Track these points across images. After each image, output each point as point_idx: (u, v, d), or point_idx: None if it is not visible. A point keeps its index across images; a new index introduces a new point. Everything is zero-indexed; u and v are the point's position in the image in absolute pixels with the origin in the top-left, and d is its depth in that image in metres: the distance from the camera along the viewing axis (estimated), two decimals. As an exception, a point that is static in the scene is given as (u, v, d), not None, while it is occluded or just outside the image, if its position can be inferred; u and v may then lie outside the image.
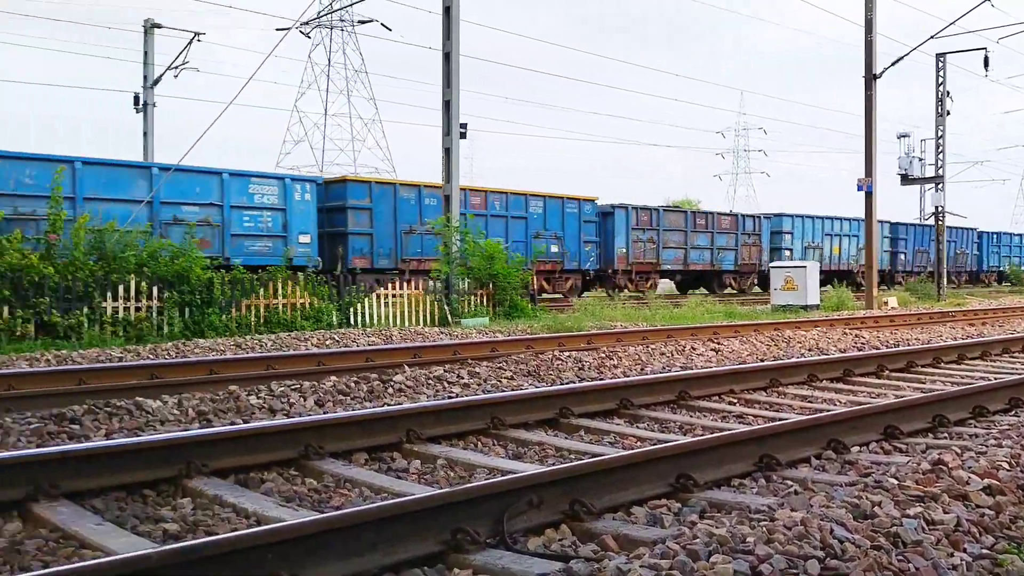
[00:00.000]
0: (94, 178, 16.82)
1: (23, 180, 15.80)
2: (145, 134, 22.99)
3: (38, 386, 7.52)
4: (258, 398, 6.75)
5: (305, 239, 19.70)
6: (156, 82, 23.28)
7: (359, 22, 48.48)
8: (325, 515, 3.12)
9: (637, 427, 6.03)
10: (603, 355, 9.68)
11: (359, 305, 16.05)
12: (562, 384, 7.82)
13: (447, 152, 18.19)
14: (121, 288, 13.01)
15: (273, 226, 19.48)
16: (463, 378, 7.94)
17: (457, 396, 7.11)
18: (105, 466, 4.13)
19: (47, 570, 2.69)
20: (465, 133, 18.58)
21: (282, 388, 7.07)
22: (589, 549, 3.18)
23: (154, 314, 13.25)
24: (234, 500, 3.99)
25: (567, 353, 9.61)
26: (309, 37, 51.06)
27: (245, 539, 2.78)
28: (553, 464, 4.78)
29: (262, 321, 14.46)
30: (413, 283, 17.25)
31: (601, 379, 8.14)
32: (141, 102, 23.16)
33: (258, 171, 19.86)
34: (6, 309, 11.83)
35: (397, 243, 21.83)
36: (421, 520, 3.12)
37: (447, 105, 18.17)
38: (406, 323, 16.42)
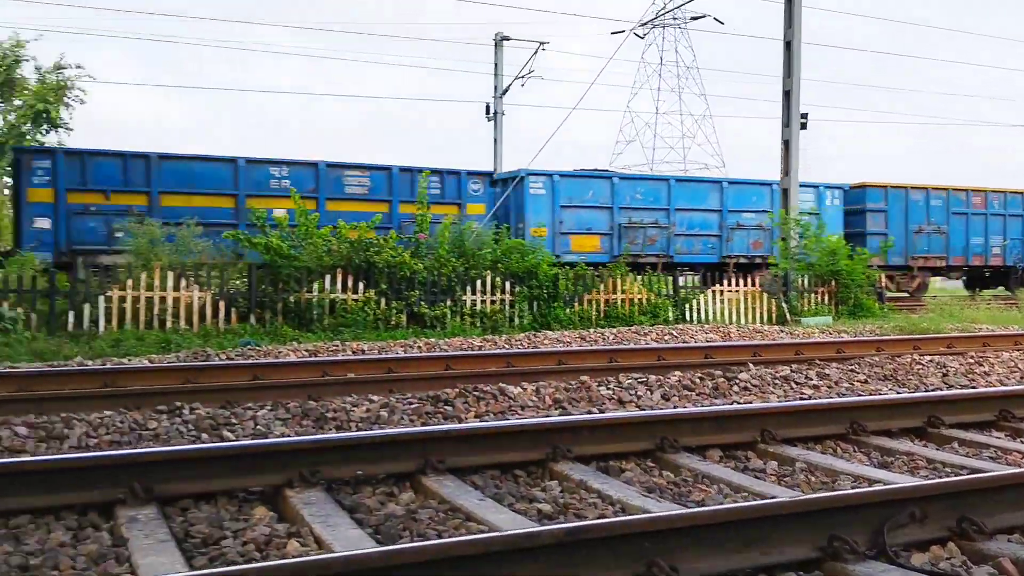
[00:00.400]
0: (681, 192, 20.43)
1: (635, 195, 19.92)
2: (495, 141, 24.66)
3: (413, 370, 8.33)
4: (607, 389, 6.99)
5: None
6: (505, 91, 24.86)
7: (692, 18, 48.22)
8: (702, 509, 3.17)
9: (1022, 442, 5.43)
10: (970, 360, 8.83)
11: (694, 301, 16.03)
12: (925, 391, 7.25)
13: (786, 144, 17.55)
14: (478, 283, 14.13)
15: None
16: (812, 379, 7.63)
17: (809, 398, 6.86)
18: (483, 446, 4.48)
19: (458, 538, 2.98)
20: (806, 123, 17.82)
21: (629, 380, 7.26)
22: (984, 572, 2.93)
23: (506, 307, 14.22)
24: (598, 486, 4.16)
25: (927, 357, 8.89)
26: (642, 38, 51.74)
27: (625, 525, 2.90)
28: (926, 477, 4.46)
29: (602, 315, 14.95)
30: (750, 279, 16.87)
31: (973, 387, 7.42)
32: (491, 111, 24.87)
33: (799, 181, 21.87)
34: (383, 301, 13.32)
35: (907, 241, 23.26)
36: (794, 523, 3.06)
37: (787, 95, 17.52)
38: (741, 320, 16.11)
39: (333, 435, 4.79)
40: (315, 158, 17.31)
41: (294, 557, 3.19)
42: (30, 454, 4.87)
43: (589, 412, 6.19)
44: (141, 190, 15.80)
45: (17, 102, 29.91)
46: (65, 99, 30.09)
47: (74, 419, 5.49)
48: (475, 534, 3.43)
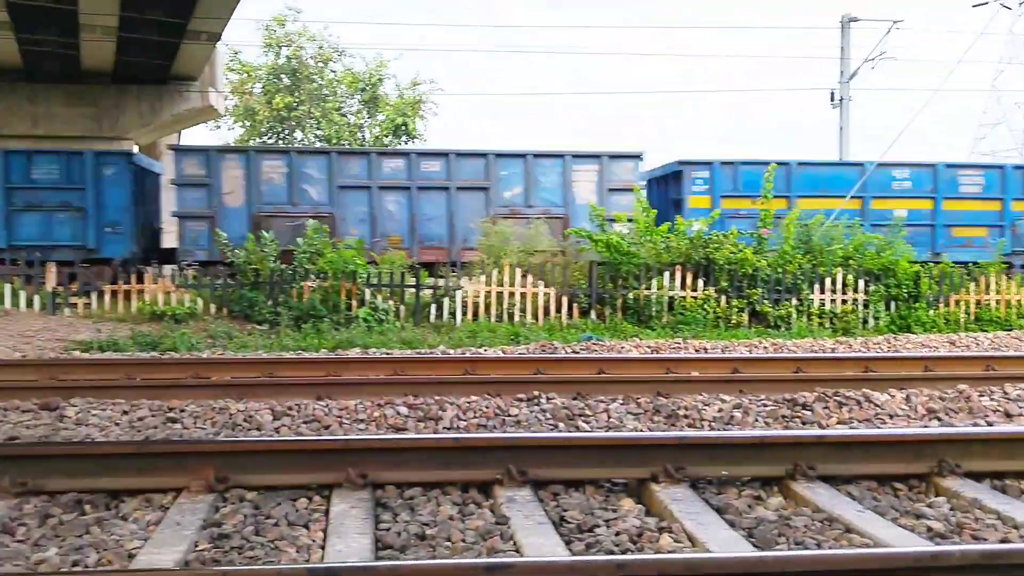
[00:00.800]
0: None
1: None
2: (841, 129, 23.22)
3: (761, 370, 7.97)
4: (991, 400, 6.27)
5: None
6: (852, 76, 23.32)
7: (1076, -21, 41.96)
8: None
9: None
10: None
11: (1089, 303, 13.91)
12: None
13: None
14: (828, 280, 13.32)
15: None
16: None
17: None
18: (857, 454, 4.15)
19: (857, 551, 2.75)
20: None
21: (1017, 391, 6.45)
22: None
23: (859, 307, 13.27)
24: (996, 507, 3.70)
25: None
26: (1011, 8, 46.00)
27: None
28: None
29: (972, 318, 13.46)
30: None
31: None
32: (837, 98, 23.45)
33: None
34: (723, 298, 13.02)
35: None
36: None
37: None
38: None
39: (699, 432, 4.72)
40: (933, 160, 17.70)
41: (669, 552, 3.14)
42: (412, 432, 5.31)
43: (974, 424, 5.55)
44: (782, 195, 16.86)
45: (380, 116, 33.44)
46: (420, 112, 33.12)
47: (446, 402, 5.91)
48: (860, 547, 3.18)
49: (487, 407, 5.83)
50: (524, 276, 13.11)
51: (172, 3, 16.89)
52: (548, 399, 6.13)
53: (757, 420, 5.74)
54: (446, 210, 16.31)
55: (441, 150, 16.90)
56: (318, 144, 32.89)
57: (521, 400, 6.12)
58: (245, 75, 33.20)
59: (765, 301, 13.02)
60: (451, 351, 9.77)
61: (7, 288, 13.58)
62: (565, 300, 13.07)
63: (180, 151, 16.61)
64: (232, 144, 16.30)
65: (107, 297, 13.31)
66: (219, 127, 34.14)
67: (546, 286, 13.14)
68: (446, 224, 16.19)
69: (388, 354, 9.26)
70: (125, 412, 5.67)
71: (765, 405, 6.10)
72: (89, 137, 20.27)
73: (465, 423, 5.55)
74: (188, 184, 16.08)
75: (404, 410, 5.71)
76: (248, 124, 33.36)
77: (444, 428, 5.44)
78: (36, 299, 13.51)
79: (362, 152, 16.95)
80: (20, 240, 15.95)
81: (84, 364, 7.68)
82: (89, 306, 13.30)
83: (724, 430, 5.44)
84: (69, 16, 16.91)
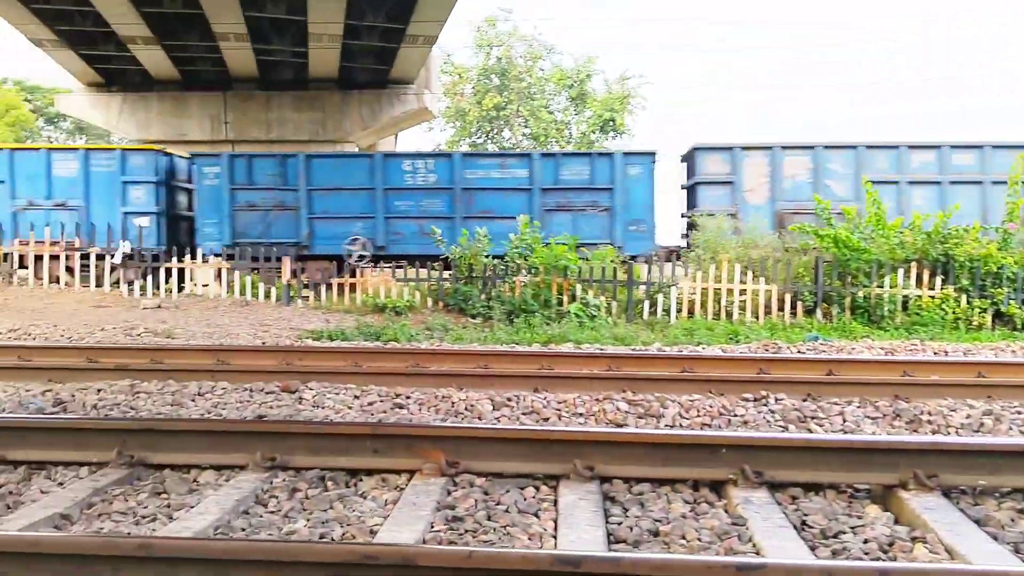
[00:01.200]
0: None
1: None
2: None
3: (1010, 375, 7.30)
4: None
5: None
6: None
7: None
8: None
9: None
10: None
11: None
12: None
13: None
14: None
15: None
16: None
17: None
18: None
19: None
20: None
21: None
22: None
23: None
24: None
25: None
26: None
27: None
28: None
29: None
30: None
31: None
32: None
33: None
34: (964, 298, 11.98)
35: None
36: None
37: None
38: None
39: (953, 438, 4.33)
40: None
41: (929, 563, 2.86)
42: (633, 427, 5.21)
43: None
44: None
45: (587, 112, 33.48)
46: (628, 107, 32.87)
47: (666, 399, 5.77)
48: None
49: (711, 406, 5.63)
50: (743, 272, 12.64)
51: (392, 9, 17.73)
52: (776, 400, 5.85)
53: (1011, 428, 5.24)
54: (979, 206, 15.58)
55: (976, 142, 15.96)
56: (524, 142, 33.46)
57: (747, 400, 5.88)
58: (457, 77, 34.30)
59: (1011, 301, 11.84)
60: (667, 348, 9.57)
61: (248, 280, 14.74)
62: (788, 298, 12.48)
63: (702, 149, 16.35)
64: (753, 142, 16.21)
65: (334, 290, 14.15)
66: (431, 128, 35.53)
67: (767, 283, 12.61)
68: (980, 220, 14.55)
69: (601, 350, 9.19)
70: (356, 396, 5.94)
71: (1019, 412, 5.56)
72: (314, 140, 21.65)
73: (688, 421, 5.38)
74: (709, 182, 16.00)
75: (624, 406, 5.62)
76: (458, 124, 34.45)
77: (666, 425, 5.31)
78: (273, 291, 14.58)
79: (890, 145, 16.16)
80: (549, 237, 15.73)
81: (316, 351, 8.14)
82: (318, 298, 14.19)
83: (974, 437, 4.97)
84: (300, 26, 18.15)
